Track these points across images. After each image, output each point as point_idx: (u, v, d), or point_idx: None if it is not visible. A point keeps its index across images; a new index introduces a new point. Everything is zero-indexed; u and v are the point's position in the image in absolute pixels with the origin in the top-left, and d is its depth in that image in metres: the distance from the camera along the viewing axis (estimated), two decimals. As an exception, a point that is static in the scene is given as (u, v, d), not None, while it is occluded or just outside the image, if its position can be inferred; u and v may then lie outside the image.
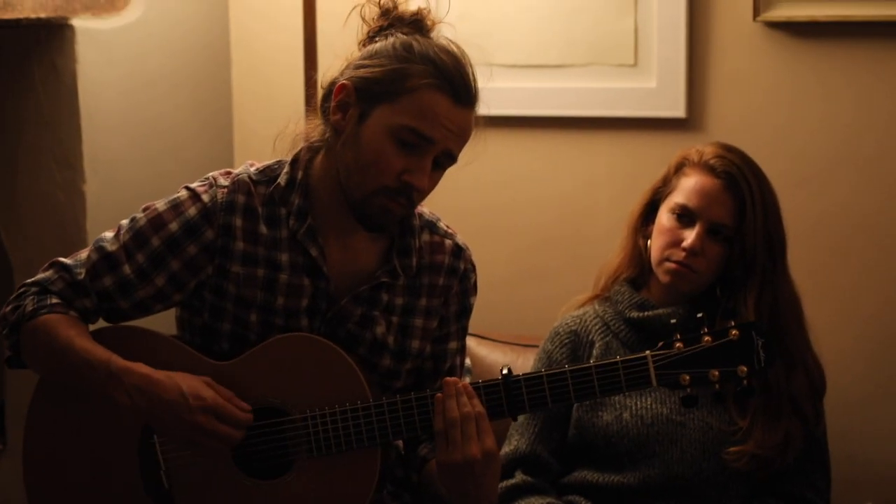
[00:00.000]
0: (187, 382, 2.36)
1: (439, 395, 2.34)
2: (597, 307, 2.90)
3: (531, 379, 2.36)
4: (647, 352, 2.35)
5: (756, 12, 3.26)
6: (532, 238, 3.59)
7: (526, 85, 3.51)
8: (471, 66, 2.39)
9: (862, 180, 3.29)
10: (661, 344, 2.36)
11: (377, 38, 2.41)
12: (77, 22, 3.30)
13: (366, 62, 2.38)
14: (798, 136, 3.32)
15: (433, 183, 2.40)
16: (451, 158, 2.39)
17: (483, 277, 3.53)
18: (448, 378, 2.36)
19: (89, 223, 3.34)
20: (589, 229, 3.49)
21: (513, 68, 3.51)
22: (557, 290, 3.38)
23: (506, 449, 2.85)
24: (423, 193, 2.39)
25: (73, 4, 3.29)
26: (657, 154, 3.32)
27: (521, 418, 2.85)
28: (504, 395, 2.35)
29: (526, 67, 3.51)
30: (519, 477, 2.80)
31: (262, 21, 3.80)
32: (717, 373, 2.34)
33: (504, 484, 2.81)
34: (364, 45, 2.43)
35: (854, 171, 3.29)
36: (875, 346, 3.31)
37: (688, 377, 2.34)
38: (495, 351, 3.23)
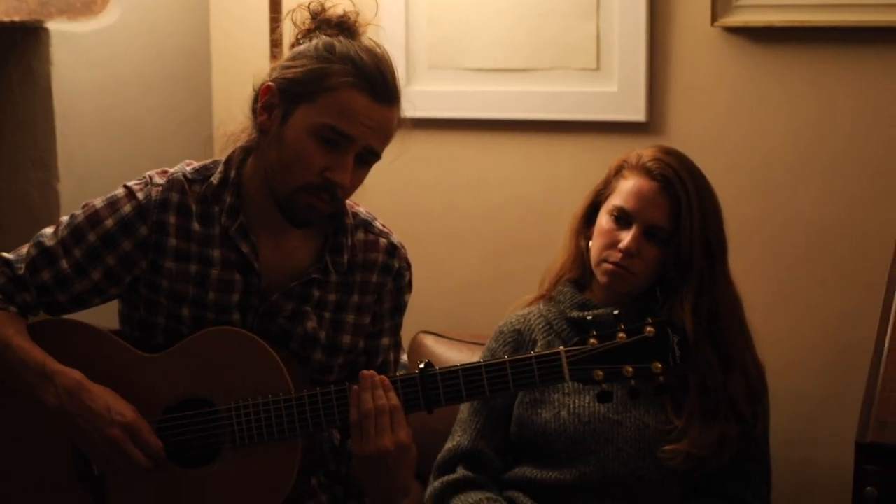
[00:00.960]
0: (115, 400, 2.43)
1: (356, 387, 2.40)
2: (541, 307, 2.94)
3: (447, 373, 2.40)
4: (561, 348, 2.39)
5: (714, 17, 3.29)
6: (498, 240, 3.63)
7: (493, 88, 3.55)
8: (392, 65, 2.45)
9: (825, 185, 3.30)
10: (576, 340, 2.40)
11: (304, 41, 2.48)
12: (52, 25, 3.37)
13: (289, 63, 2.46)
14: (759, 139, 3.34)
15: (357, 180, 2.46)
16: (374, 155, 2.45)
17: (450, 280, 3.60)
18: (365, 371, 2.41)
19: (63, 222, 3.41)
20: (554, 231, 3.48)
21: (480, 72, 3.55)
22: (524, 291, 3.41)
23: (448, 445, 2.90)
24: (347, 190, 2.45)
25: (48, 8, 3.36)
26: (618, 157, 3.36)
27: (464, 414, 2.91)
28: (420, 388, 2.40)
29: (493, 71, 3.55)
30: (460, 472, 2.85)
31: (243, 24, 3.85)
32: (630, 369, 2.37)
33: (445, 479, 2.86)
34: (293, 48, 2.50)
35: (816, 176, 3.30)
36: (835, 352, 3.32)
37: (601, 373, 2.37)
38: (451, 349, 3.27)
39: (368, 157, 2.45)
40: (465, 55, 3.55)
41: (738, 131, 3.35)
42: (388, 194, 3.39)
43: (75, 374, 2.44)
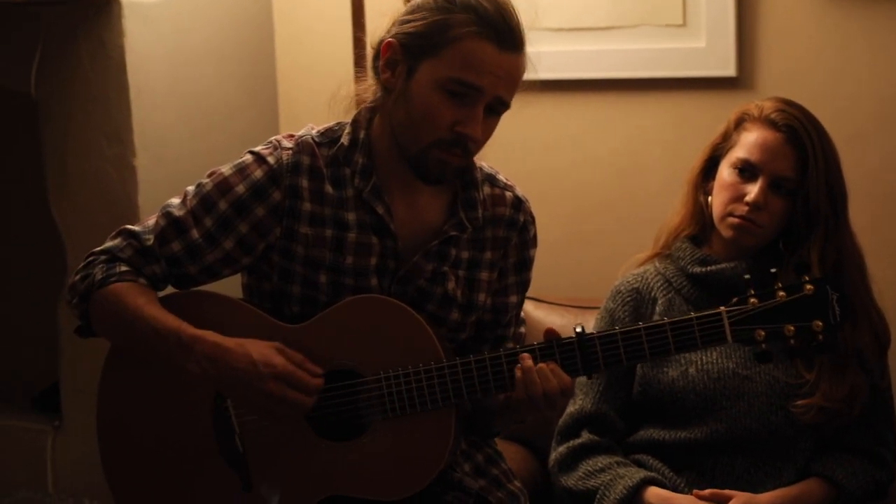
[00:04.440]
0: (258, 350, 2.34)
1: (520, 367, 2.35)
2: (657, 264, 2.89)
3: (605, 337, 2.35)
4: (722, 308, 2.34)
5: (803, -34, 3.25)
6: (583, 201, 3.58)
7: (574, 48, 3.48)
8: (514, 9, 2.37)
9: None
10: (735, 300, 2.34)
11: None
12: (123, -3, 3.29)
13: (409, 17, 2.38)
14: (848, 91, 3.29)
15: (488, 131, 2.40)
16: (503, 104, 2.38)
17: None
18: (525, 362, 2.36)
19: (140, 198, 3.33)
20: (640, 191, 3.48)
21: (561, 31, 3.48)
22: (609, 251, 3.39)
23: (570, 409, 2.85)
24: (479, 143, 2.39)
25: (118, -20, 3.29)
26: (708, 114, 3.31)
27: (584, 377, 2.86)
28: (579, 353, 2.35)
29: (574, 30, 3.48)
30: (585, 436, 2.81)
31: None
32: (792, 328, 2.32)
33: (571, 444, 2.82)
34: (409, 0, 2.43)
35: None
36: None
37: (763, 332, 2.32)
38: (552, 314, 3.22)
39: (498, 107, 2.38)
40: (545, 15, 3.45)
41: (830, 83, 3.30)
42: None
43: (211, 337, 2.35)
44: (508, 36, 2.34)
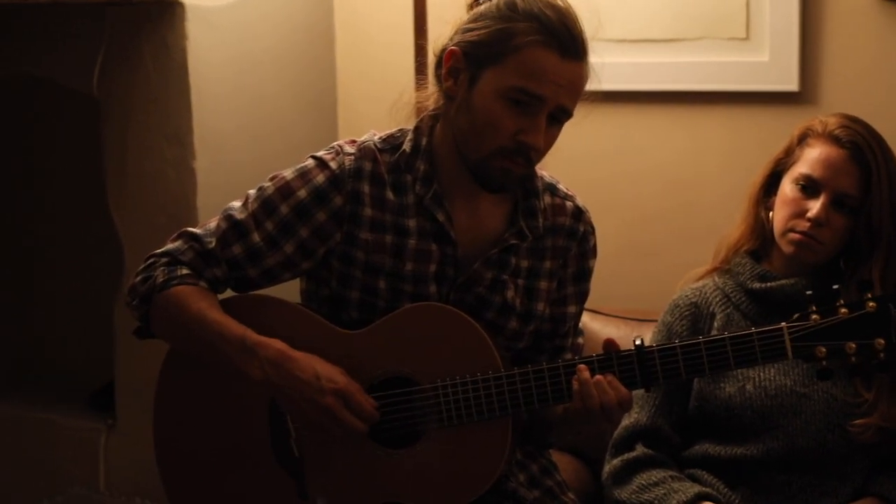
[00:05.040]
0: (323, 365, 2.35)
1: (577, 379, 2.34)
2: (716, 279, 2.88)
3: (665, 350, 2.34)
4: (783, 323, 2.32)
5: (871, -18, 3.22)
6: (642, 212, 3.56)
7: (637, 60, 3.47)
8: (577, 18, 2.36)
9: None
10: (796, 315, 2.33)
11: (483, 1, 2.40)
12: None
13: (471, 25, 2.38)
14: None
15: (550, 140, 2.39)
16: (566, 113, 2.37)
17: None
18: (582, 374, 2.34)
19: (199, 200, 3.33)
20: (699, 204, 3.46)
21: (622, 43, 3.47)
22: (666, 264, 3.37)
23: (626, 422, 2.84)
24: (541, 152, 2.38)
25: (182, -18, 3.30)
26: (769, 128, 3.30)
27: (640, 391, 2.84)
28: (637, 366, 2.34)
29: (636, 42, 3.47)
30: (640, 450, 2.80)
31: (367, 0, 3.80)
32: (853, 345, 2.30)
33: (625, 457, 2.80)
34: (472, 8, 2.42)
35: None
36: None
37: (824, 349, 2.30)
38: (608, 325, 3.20)
39: (560, 115, 2.37)
40: (608, 26, 3.43)
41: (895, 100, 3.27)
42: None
43: (277, 344, 2.36)
44: (571, 45, 2.33)
